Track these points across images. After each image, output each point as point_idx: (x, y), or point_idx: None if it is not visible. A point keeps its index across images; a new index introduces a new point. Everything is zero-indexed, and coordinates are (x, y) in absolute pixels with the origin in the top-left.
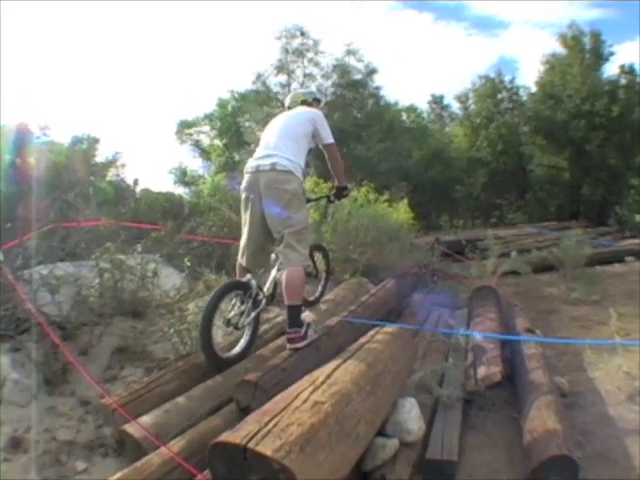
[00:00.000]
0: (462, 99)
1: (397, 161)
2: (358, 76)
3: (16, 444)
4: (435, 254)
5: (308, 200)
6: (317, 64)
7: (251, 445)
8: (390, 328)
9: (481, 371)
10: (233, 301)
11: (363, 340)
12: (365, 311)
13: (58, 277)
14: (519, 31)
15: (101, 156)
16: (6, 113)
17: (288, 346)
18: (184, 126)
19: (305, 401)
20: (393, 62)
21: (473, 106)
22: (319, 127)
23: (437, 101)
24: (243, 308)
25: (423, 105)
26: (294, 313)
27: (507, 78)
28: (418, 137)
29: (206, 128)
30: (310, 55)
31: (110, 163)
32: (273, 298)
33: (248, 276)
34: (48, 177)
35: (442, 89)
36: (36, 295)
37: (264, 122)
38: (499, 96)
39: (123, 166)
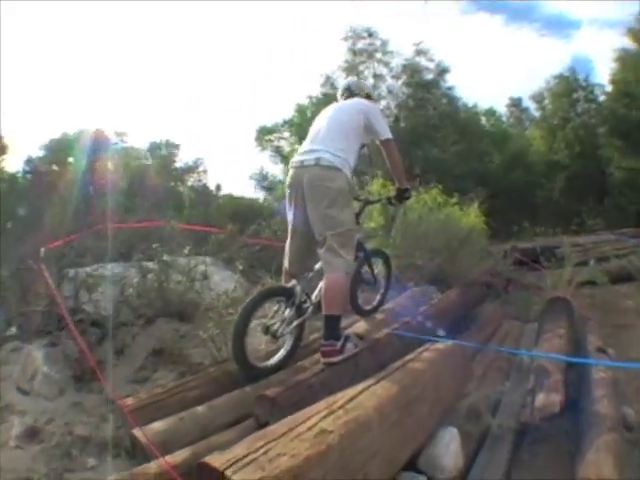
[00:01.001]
0: (538, 99)
1: (472, 164)
2: (429, 76)
3: (32, 434)
4: (509, 262)
5: (367, 202)
6: (386, 64)
7: (228, 473)
8: (443, 345)
9: (539, 399)
10: (275, 307)
11: (407, 358)
12: (422, 323)
13: (102, 276)
14: (590, 30)
15: (181, 162)
16: (83, 119)
17: (322, 360)
18: (264, 132)
19: (311, 428)
20: (468, 64)
21: (549, 106)
22: (373, 120)
23: (516, 104)
24: (284, 316)
25: (501, 108)
26: (331, 324)
27: (581, 77)
28: (498, 141)
29: (286, 134)
30: (379, 56)
31: (191, 169)
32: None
33: (293, 282)
34: (126, 182)
35: (518, 92)
36: (78, 294)
37: None
38: (574, 95)
39: (205, 172)
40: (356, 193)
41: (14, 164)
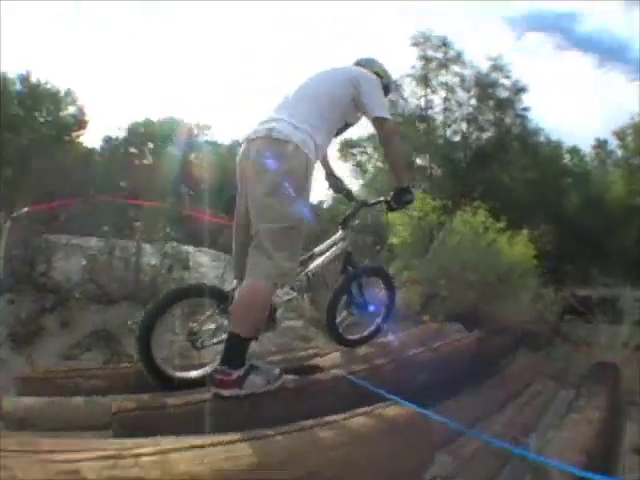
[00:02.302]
0: (620, 135)
1: (544, 197)
2: (504, 94)
3: None
4: (560, 309)
5: (363, 204)
6: (458, 75)
7: None
8: (401, 409)
9: None
10: (208, 312)
11: (333, 418)
12: (405, 370)
13: (76, 246)
14: None
15: None
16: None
17: (212, 390)
18: (348, 145)
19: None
20: (556, 102)
21: (632, 144)
22: (364, 91)
23: (601, 145)
24: (213, 325)
25: (586, 148)
26: (233, 345)
27: None
28: (579, 181)
29: (369, 150)
30: (455, 68)
31: None
32: (274, 323)
33: (234, 284)
34: (211, 176)
35: (604, 134)
36: (50, 260)
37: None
38: None
39: None
40: (341, 188)
41: (93, 141)
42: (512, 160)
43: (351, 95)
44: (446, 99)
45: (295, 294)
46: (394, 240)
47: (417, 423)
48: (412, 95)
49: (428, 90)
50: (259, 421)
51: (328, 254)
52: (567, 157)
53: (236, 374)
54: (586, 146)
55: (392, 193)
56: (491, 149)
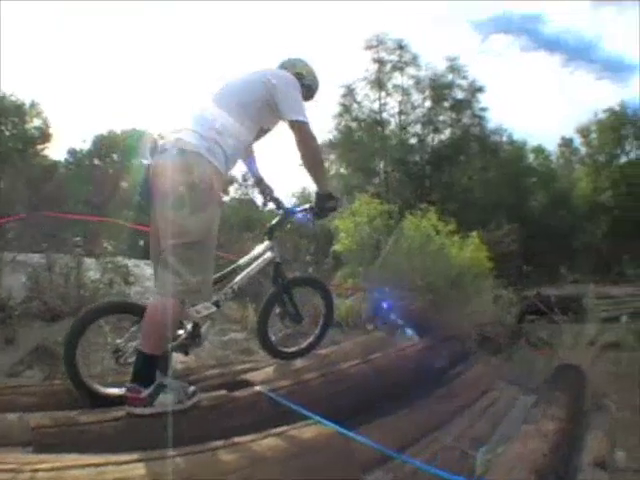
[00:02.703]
0: (584, 132)
1: (504, 196)
2: (461, 95)
3: None
4: (521, 311)
5: (289, 212)
6: (413, 77)
7: None
8: (321, 429)
9: None
10: (133, 328)
11: (246, 439)
12: (336, 385)
13: (20, 263)
14: None
15: (230, 174)
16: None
17: (126, 408)
18: None
19: None
20: (522, 103)
21: (595, 141)
22: (280, 93)
23: (567, 144)
24: (137, 341)
25: (552, 148)
26: (141, 363)
27: (631, 111)
28: (544, 180)
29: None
30: (411, 71)
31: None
32: (199, 339)
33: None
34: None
35: (570, 132)
36: None
37: None
38: (623, 131)
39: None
40: (270, 196)
41: (57, 153)
42: (470, 161)
43: (264, 98)
44: (401, 102)
45: (215, 309)
46: (338, 247)
47: (337, 444)
48: (365, 99)
49: (382, 93)
50: (173, 440)
51: (254, 266)
52: (532, 156)
53: (146, 392)
54: (553, 145)
55: (315, 200)
56: (448, 150)
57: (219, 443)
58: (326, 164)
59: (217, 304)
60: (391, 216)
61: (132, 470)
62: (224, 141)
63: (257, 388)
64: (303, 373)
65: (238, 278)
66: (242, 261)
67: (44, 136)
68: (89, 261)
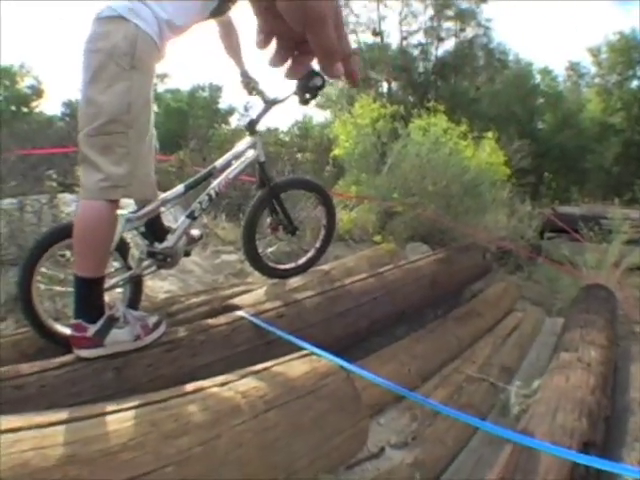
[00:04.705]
0: (594, 52)
1: (510, 110)
2: (464, 5)
3: None
4: (540, 227)
5: (275, 102)
6: None
7: None
8: (318, 361)
9: None
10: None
11: (231, 377)
12: (337, 304)
13: None
14: None
15: (224, 104)
16: None
17: (74, 351)
18: None
19: None
20: (528, 26)
21: (606, 62)
22: None
23: (574, 68)
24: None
25: (560, 71)
26: (81, 292)
27: None
28: (551, 101)
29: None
30: None
31: (234, 111)
32: (170, 259)
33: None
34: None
35: (577, 58)
36: None
37: None
38: (634, 54)
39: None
40: (254, 89)
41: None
42: (477, 72)
43: None
44: (401, 12)
45: (190, 221)
46: (338, 151)
47: (336, 381)
48: (364, 9)
49: (381, 4)
50: (127, 388)
51: (234, 167)
52: (538, 78)
53: (93, 329)
54: (560, 70)
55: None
56: (453, 60)
57: (178, 390)
58: None
59: (192, 215)
60: (395, 119)
61: (54, 437)
62: (158, 2)
63: (238, 313)
64: (296, 292)
65: (215, 182)
66: (219, 162)
67: (37, 93)
68: (69, 197)
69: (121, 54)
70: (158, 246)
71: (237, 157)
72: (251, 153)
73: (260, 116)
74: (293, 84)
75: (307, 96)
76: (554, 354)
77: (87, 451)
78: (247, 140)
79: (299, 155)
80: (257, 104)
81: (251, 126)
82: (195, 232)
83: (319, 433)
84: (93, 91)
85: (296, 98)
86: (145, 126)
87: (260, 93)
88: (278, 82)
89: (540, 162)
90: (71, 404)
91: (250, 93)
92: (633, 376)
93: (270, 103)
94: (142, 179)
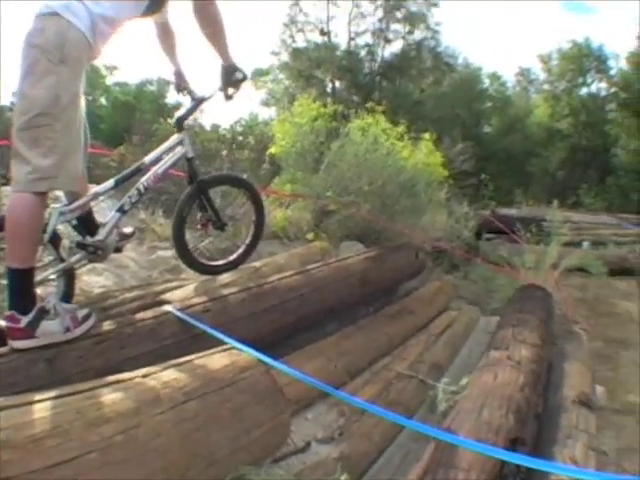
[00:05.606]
0: (545, 59)
1: (455, 113)
2: (414, 8)
3: None
4: (477, 227)
5: (202, 100)
6: None
7: None
8: (237, 355)
9: None
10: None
11: (136, 373)
12: (263, 301)
13: None
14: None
15: (171, 99)
16: None
17: (9, 342)
18: (259, 74)
19: None
20: (482, 30)
21: (556, 69)
22: None
23: (524, 74)
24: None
25: (510, 77)
26: (14, 283)
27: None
28: (499, 106)
29: (281, 76)
30: None
31: (180, 105)
32: (100, 252)
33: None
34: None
35: (527, 64)
36: None
37: None
38: (585, 62)
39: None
40: (183, 87)
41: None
42: (424, 73)
43: None
44: (351, 13)
45: (120, 215)
46: (274, 150)
47: (256, 375)
48: (313, 8)
49: (331, 4)
50: (61, 377)
51: (162, 162)
52: (487, 82)
53: (25, 320)
54: (510, 75)
55: (220, 74)
56: (399, 62)
57: (103, 380)
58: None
59: (122, 209)
60: (335, 118)
61: None
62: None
63: (164, 308)
64: (224, 288)
65: (144, 177)
66: (148, 158)
67: None
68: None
69: (52, 49)
70: (89, 239)
71: (166, 153)
72: (179, 150)
73: (188, 113)
74: (218, 81)
75: (231, 91)
76: (485, 352)
77: (18, 437)
78: (175, 137)
79: (238, 153)
80: (186, 102)
81: (179, 123)
82: (128, 229)
83: (238, 425)
84: (26, 85)
85: (221, 95)
86: (73, 119)
87: (189, 92)
88: (208, 80)
89: (484, 165)
90: (7, 394)
91: (179, 92)
92: (568, 374)
93: (198, 101)
94: (70, 172)
